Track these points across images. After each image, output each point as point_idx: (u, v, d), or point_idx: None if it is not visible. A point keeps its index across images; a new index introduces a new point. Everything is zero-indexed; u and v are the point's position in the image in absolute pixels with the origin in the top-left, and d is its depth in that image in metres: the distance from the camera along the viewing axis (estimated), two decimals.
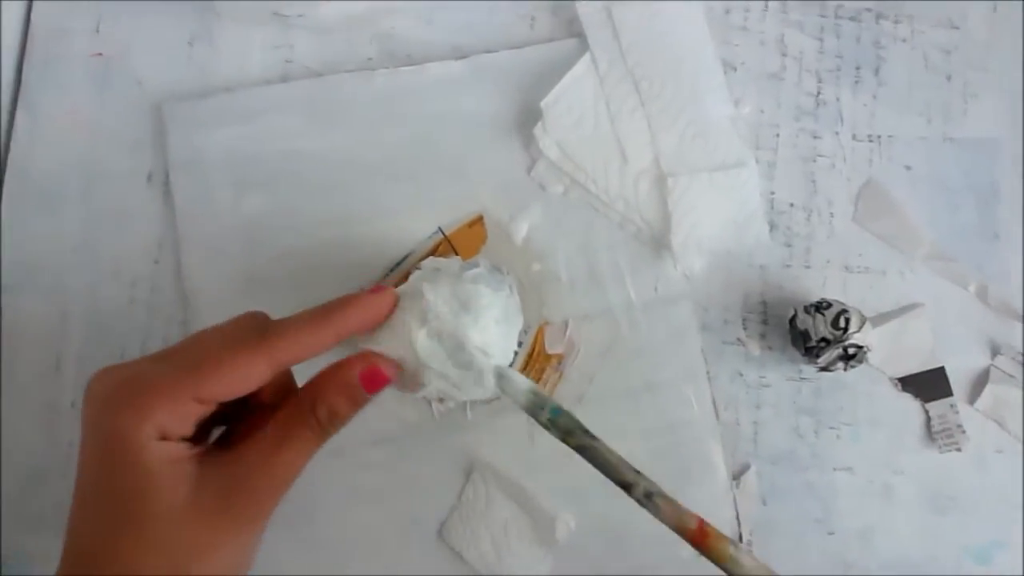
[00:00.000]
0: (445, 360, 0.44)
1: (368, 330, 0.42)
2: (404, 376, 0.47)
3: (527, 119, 0.54)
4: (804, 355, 0.52)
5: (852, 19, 0.57)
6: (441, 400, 0.45)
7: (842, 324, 0.50)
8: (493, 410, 0.52)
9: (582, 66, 0.54)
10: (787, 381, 0.54)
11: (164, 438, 0.35)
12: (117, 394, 0.35)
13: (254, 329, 0.38)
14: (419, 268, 0.47)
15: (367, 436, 0.51)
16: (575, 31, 0.55)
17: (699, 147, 0.53)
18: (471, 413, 0.52)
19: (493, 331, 0.44)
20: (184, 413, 0.35)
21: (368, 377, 0.40)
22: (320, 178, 0.53)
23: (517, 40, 0.55)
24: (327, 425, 0.39)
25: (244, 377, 0.36)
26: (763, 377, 0.54)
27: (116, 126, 0.54)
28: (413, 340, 0.44)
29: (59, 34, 0.54)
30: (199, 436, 0.38)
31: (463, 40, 0.55)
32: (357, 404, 0.40)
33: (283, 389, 0.41)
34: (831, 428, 0.54)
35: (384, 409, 0.52)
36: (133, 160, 0.53)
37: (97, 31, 0.54)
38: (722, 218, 0.53)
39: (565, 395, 0.52)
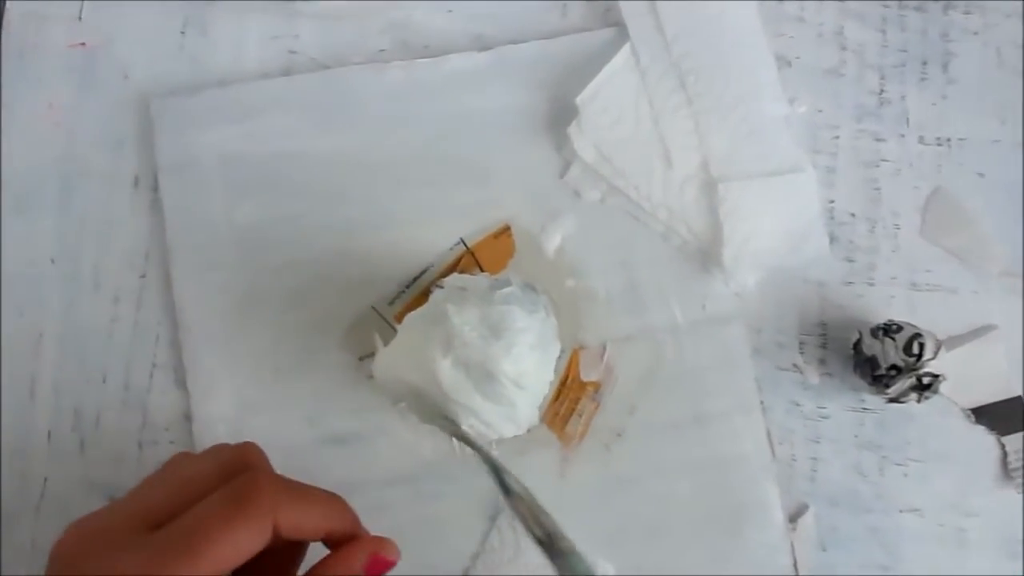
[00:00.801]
0: (472, 393, 0.38)
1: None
2: (424, 410, 0.41)
3: (560, 117, 0.48)
4: (871, 384, 0.46)
5: (918, 10, 0.51)
6: (465, 440, 0.40)
7: (915, 350, 0.45)
8: (522, 445, 0.46)
9: (621, 58, 0.48)
10: (848, 412, 0.48)
11: None
12: (88, 548, 0.30)
13: (249, 485, 0.32)
14: (441, 286, 0.41)
15: (380, 475, 0.46)
16: (611, 20, 0.50)
17: (752, 149, 0.48)
18: (497, 449, 0.46)
19: (528, 359, 0.39)
20: None
21: (372, 567, 0.35)
22: (325, 183, 0.47)
23: (546, 31, 0.50)
24: None
25: (251, 548, 0.31)
26: (822, 408, 0.48)
27: (99, 124, 0.48)
28: (436, 370, 0.38)
29: (37, 21, 0.49)
30: None
31: (486, 30, 0.50)
32: None
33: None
34: (897, 465, 0.48)
35: (399, 444, 0.46)
36: (117, 161, 0.48)
37: (79, 18, 0.49)
38: (778, 229, 0.48)
39: (603, 429, 0.47)
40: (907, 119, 0.51)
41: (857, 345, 0.47)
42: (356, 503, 0.44)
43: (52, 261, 0.47)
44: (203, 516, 0.31)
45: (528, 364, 0.39)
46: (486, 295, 0.39)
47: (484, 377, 0.38)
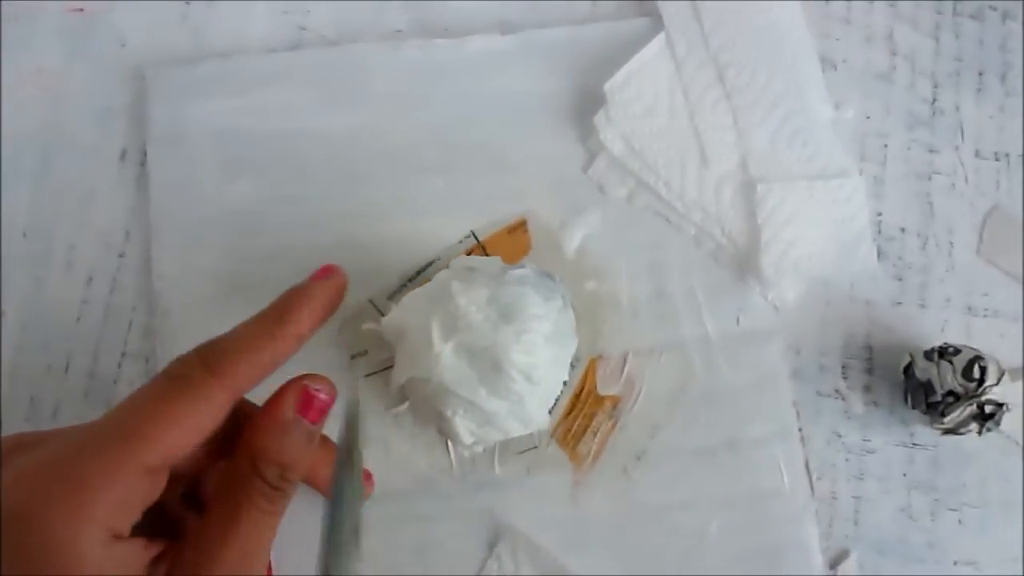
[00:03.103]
0: (476, 385, 0.33)
1: (323, 321, 0.32)
2: (419, 404, 0.36)
3: (586, 107, 0.44)
4: (925, 412, 0.41)
5: (973, 17, 0.48)
6: (466, 443, 0.35)
7: (976, 375, 0.40)
8: (527, 464, 0.41)
9: (655, 47, 0.44)
10: (897, 447, 0.43)
11: (115, 536, 0.26)
12: (40, 487, 0.26)
13: (193, 365, 0.29)
14: (448, 268, 0.37)
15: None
16: (645, 12, 0.46)
17: (796, 150, 0.44)
18: (500, 466, 0.41)
19: (541, 351, 0.34)
20: (133, 493, 0.27)
21: (305, 406, 0.31)
22: (328, 164, 0.43)
23: (575, 20, 0.46)
24: (280, 485, 0.29)
25: (199, 422, 0.28)
26: (867, 441, 0.43)
27: (88, 92, 0.45)
28: (436, 356, 0.33)
29: None
30: (159, 527, 0.30)
31: (511, 15, 0.46)
32: (311, 442, 0.31)
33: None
34: (951, 510, 0.42)
35: (391, 455, 0.41)
36: (105, 133, 0.44)
37: None
38: (823, 237, 0.43)
39: (621, 450, 0.41)
40: (962, 131, 0.47)
41: (909, 369, 0.42)
42: None
43: (24, 235, 0.42)
44: (136, 401, 0.28)
45: (541, 356, 0.34)
46: (497, 276, 0.34)
47: (490, 366, 0.33)
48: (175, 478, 0.32)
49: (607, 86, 0.43)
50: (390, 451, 0.41)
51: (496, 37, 0.45)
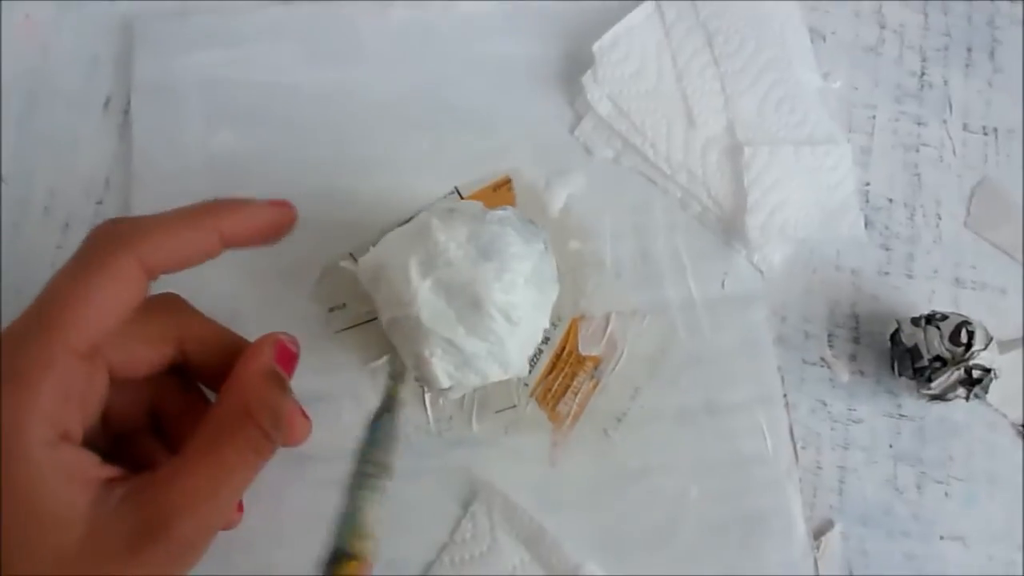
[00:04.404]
0: (454, 323, 0.33)
1: (256, 240, 0.32)
2: (400, 345, 0.36)
3: (574, 70, 0.44)
4: (912, 378, 0.40)
5: None
6: (444, 386, 0.34)
7: (963, 339, 0.39)
8: (508, 422, 0.40)
9: (644, 12, 0.44)
10: (883, 417, 0.42)
11: (62, 437, 0.25)
12: None
13: (107, 239, 0.29)
14: (428, 211, 0.36)
15: (332, 443, 0.39)
16: None
17: (783, 116, 0.43)
18: (478, 424, 0.40)
19: (521, 291, 0.33)
20: (72, 383, 0.27)
21: (281, 357, 0.32)
22: (313, 117, 0.43)
23: None
24: (272, 433, 0.29)
25: (116, 300, 0.28)
26: (852, 410, 0.42)
27: (76, 41, 0.44)
28: (413, 293, 0.33)
29: None
30: (110, 451, 0.29)
31: None
32: (286, 394, 0.31)
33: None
34: (938, 483, 0.42)
35: (367, 410, 0.40)
36: (90, 81, 0.44)
37: None
38: (809, 202, 0.43)
39: (601, 412, 0.40)
40: (950, 104, 0.47)
41: (895, 336, 0.41)
42: (313, 475, 0.39)
43: (2, 180, 0.42)
44: (52, 286, 0.27)
45: (521, 296, 0.33)
46: (478, 216, 0.34)
47: (469, 304, 0.32)
48: (135, 395, 0.31)
49: (595, 46, 0.43)
50: (366, 405, 0.40)
51: (486, 2, 0.45)
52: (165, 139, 0.42)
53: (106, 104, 0.43)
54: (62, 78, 0.44)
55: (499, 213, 0.34)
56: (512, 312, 0.33)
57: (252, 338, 0.33)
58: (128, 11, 0.45)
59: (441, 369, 0.33)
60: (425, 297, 0.32)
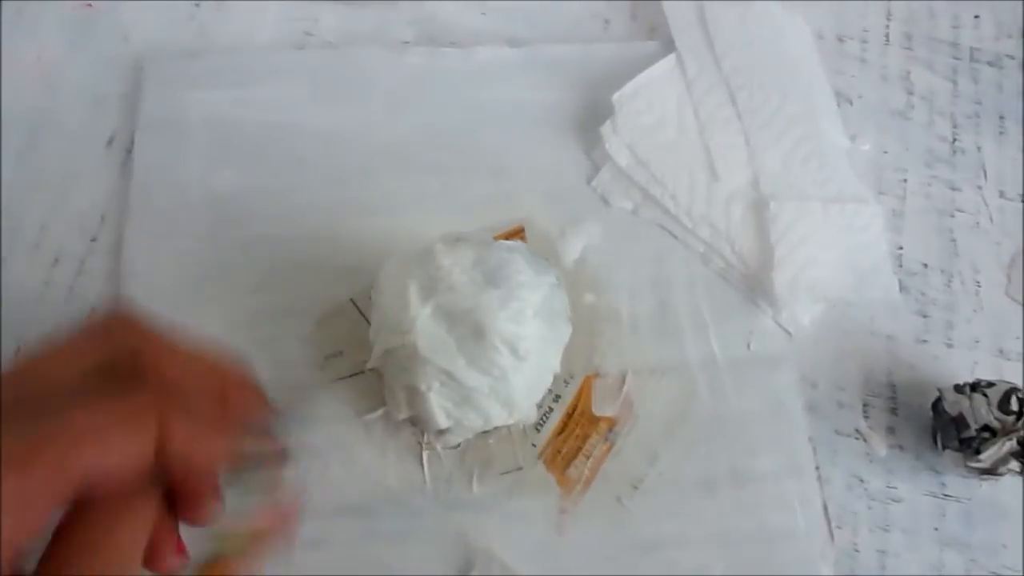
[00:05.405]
0: (454, 353, 0.30)
1: None
2: (393, 381, 0.33)
3: (591, 119, 0.43)
4: (958, 450, 0.37)
5: (992, 64, 0.47)
6: (441, 426, 0.31)
7: (1014, 407, 0.36)
8: (512, 485, 0.36)
9: (665, 66, 0.43)
10: (926, 497, 0.38)
11: None
12: None
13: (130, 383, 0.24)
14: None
15: (326, 500, 0.36)
16: (656, 36, 0.46)
17: (811, 172, 0.42)
18: (479, 485, 0.36)
19: (529, 324, 0.31)
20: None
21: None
22: (319, 158, 0.42)
23: (585, 40, 0.46)
24: None
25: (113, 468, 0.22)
26: (892, 488, 0.38)
27: (84, 78, 0.44)
28: (412, 320, 0.30)
29: None
30: None
31: (521, 33, 0.46)
32: None
33: None
34: (990, 574, 0.37)
35: (358, 465, 0.36)
36: (96, 118, 0.43)
37: None
38: (839, 261, 0.40)
39: (615, 477, 0.37)
40: (984, 171, 0.45)
41: (937, 404, 0.38)
42: (299, 534, 0.35)
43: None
44: (70, 414, 0.22)
45: (529, 329, 0.30)
46: (487, 243, 0.32)
47: (471, 332, 0.30)
48: None
49: (615, 97, 0.42)
50: (358, 461, 0.37)
51: (503, 49, 0.45)
52: (165, 175, 0.41)
53: (109, 142, 0.42)
54: (67, 115, 0.43)
55: (509, 243, 0.32)
56: (519, 344, 0.30)
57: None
58: (140, 52, 0.45)
59: (438, 405, 0.30)
60: (424, 324, 0.30)
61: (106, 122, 0.43)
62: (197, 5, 0.46)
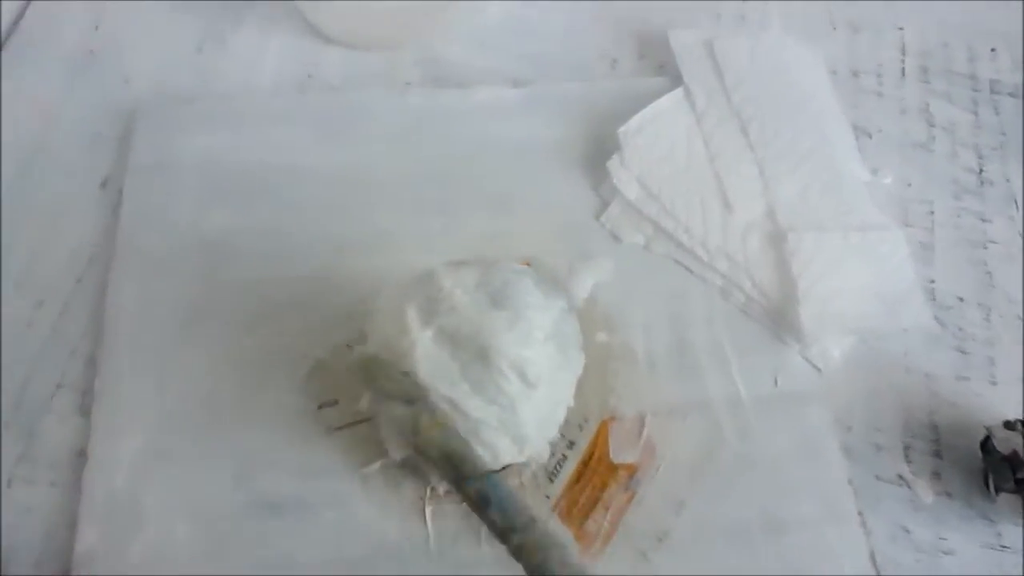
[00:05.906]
0: (458, 379, 0.27)
1: None
2: (389, 416, 0.30)
3: (598, 154, 0.41)
4: (1015, 491, 0.33)
5: (1012, 95, 0.46)
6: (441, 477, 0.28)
7: None
8: None
9: (673, 99, 0.42)
10: (980, 549, 0.35)
11: None
12: None
13: None
14: None
15: (318, 550, 0.32)
16: (663, 73, 0.45)
17: (829, 204, 0.40)
18: (488, 543, 0.33)
19: (539, 348, 0.28)
20: None
21: None
22: (314, 197, 0.40)
23: (593, 80, 0.45)
24: None
25: None
26: (943, 539, 0.35)
27: (83, 119, 0.43)
28: (411, 343, 0.28)
29: (54, 22, 0.47)
30: None
31: (526, 74, 0.45)
32: None
33: None
34: None
35: (353, 521, 0.33)
36: (90, 160, 0.42)
37: (96, 28, 0.46)
38: (867, 290, 0.38)
39: (638, 529, 0.33)
40: (1016, 202, 0.43)
41: (987, 443, 0.35)
42: None
43: None
44: None
45: (539, 352, 0.28)
46: (491, 262, 0.29)
47: (476, 357, 0.27)
48: None
49: (621, 130, 0.41)
50: (356, 516, 0.33)
51: (505, 90, 0.44)
52: (154, 217, 0.40)
53: (103, 184, 0.41)
54: (63, 155, 0.42)
55: (515, 265, 0.30)
56: (527, 369, 0.27)
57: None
58: (139, 95, 0.44)
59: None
60: (425, 349, 0.27)
61: (102, 163, 0.42)
62: (199, 51, 0.45)
